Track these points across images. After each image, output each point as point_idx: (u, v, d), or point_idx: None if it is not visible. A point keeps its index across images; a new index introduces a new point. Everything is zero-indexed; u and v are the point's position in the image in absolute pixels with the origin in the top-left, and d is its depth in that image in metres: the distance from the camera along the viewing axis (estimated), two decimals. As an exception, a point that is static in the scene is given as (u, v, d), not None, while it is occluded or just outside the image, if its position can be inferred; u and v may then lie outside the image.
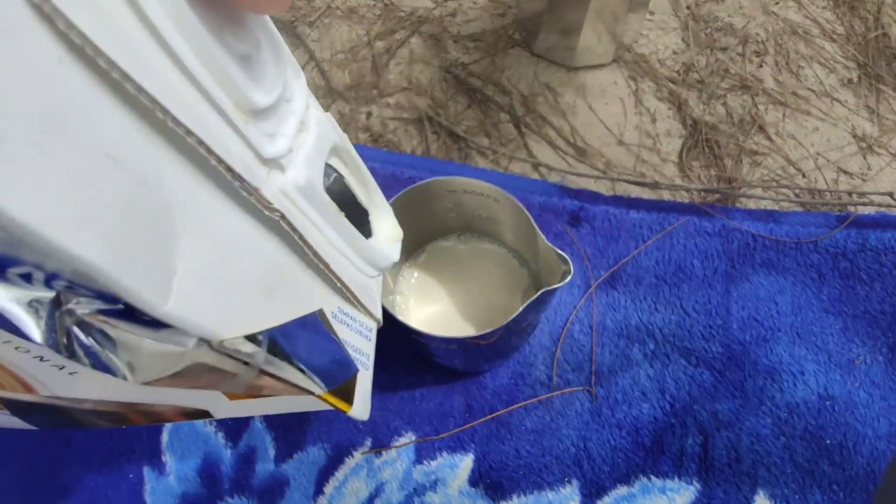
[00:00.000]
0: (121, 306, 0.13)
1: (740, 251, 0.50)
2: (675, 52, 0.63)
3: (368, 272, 0.25)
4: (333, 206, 0.21)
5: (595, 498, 0.42)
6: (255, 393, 0.18)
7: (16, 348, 0.16)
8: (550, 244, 0.35)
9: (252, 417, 0.45)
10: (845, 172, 0.56)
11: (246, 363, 0.16)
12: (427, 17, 0.66)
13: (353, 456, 0.44)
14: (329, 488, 0.43)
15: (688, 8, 0.66)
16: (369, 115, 0.60)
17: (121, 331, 0.13)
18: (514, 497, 0.43)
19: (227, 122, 0.15)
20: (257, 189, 0.17)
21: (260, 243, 0.18)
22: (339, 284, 0.22)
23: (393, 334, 0.38)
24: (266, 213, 0.17)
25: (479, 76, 0.62)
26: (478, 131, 0.59)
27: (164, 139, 0.14)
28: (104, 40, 0.11)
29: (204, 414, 0.23)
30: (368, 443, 0.44)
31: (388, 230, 0.28)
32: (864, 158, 0.57)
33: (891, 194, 0.53)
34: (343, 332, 0.23)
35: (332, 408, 0.22)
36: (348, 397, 0.23)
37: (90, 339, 0.13)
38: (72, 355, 0.13)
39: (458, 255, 0.47)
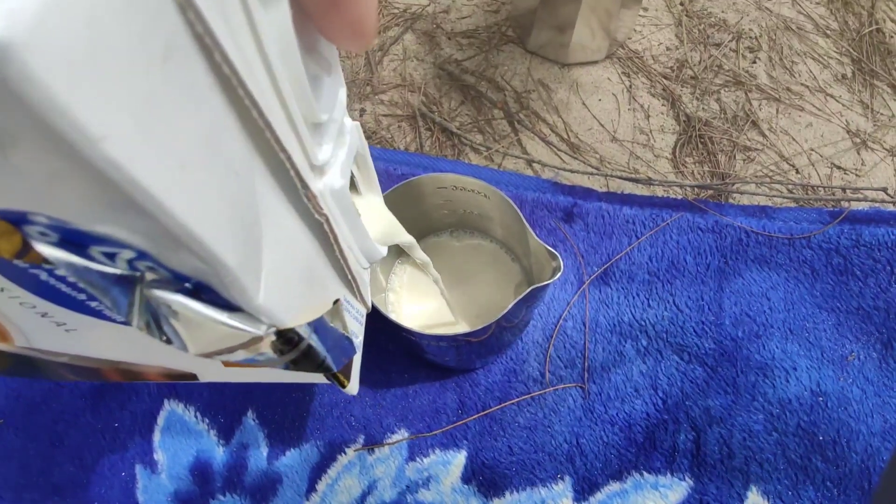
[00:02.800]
0: (189, 286, 0.14)
1: (733, 247, 0.49)
2: (668, 49, 0.63)
3: (364, 264, 0.27)
4: (355, 208, 0.23)
5: (588, 494, 0.42)
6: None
7: (20, 304, 0.16)
8: (540, 240, 0.35)
9: (245, 415, 0.45)
10: (839, 168, 0.56)
11: (297, 345, 0.19)
12: (421, 13, 0.66)
13: (345, 453, 0.44)
14: (322, 486, 0.43)
15: (681, 4, 0.66)
16: (363, 111, 0.60)
17: (189, 308, 0.14)
18: (507, 494, 0.43)
19: (297, 136, 0.16)
20: (315, 196, 0.18)
21: (304, 242, 0.20)
22: (349, 277, 0.25)
23: (385, 332, 0.38)
24: (316, 216, 0.19)
25: (473, 73, 0.62)
26: (471, 128, 0.58)
27: (259, 154, 0.15)
28: (245, 72, 0.13)
29: (189, 377, 0.24)
30: (361, 440, 0.44)
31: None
32: (858, 154, 0.57)
33: (885, 190, 0.53)
34: (346, 319, 0.25)
35: (329, 382, 0.25)
36: (347, 375, 0.26)
37: (161, 313, 0.14)
38: (146, 327, 0.15)
39: (450, 251, 0.47)
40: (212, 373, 0.24)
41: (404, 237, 0.32)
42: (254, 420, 0.45)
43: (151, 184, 0.11)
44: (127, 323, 0.15)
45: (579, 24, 0.57)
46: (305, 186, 0.18)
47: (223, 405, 0.46)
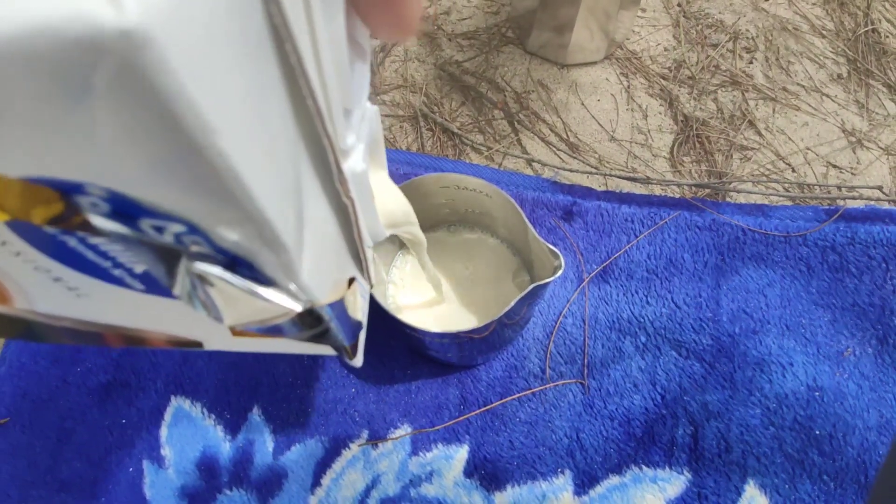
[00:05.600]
0: (226, 260, 0.15)
1: (730, 245, 0.50)
2: (666, 49, 0.64)
3: (369, 244, 0.27)
4: (371, 191, 0.23)
5: (587, 488, 0.43)
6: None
7: (34, 268, 0.16)
8: (542, 239, 0.36)
9: (250, 411, 0.46)
10: (835, 167, 0.57)
11: (322, 321, 0.19)
12: (421, 15, 0.66)
13: (350, 448, 0.45)
14: (326, 480, 0.44)
15: (679, 5, 0.67)
16: (364, 112, 0.60)
17: (231, 282, 0.15)
18: (509, 487, 0.43)
19: (333, 122, 0.17)
20: (346, 180, 0.19)
21: (331, 223, 0.20)
22: (361, 256, 0.25)
23: (387, 329, 0.39)
24: (343, 199, 0.20)
25: (473, 74, 0.62)
26: (472, 128, 0.59)
27: (303, 140, 0.16)
28: (307, 61, 0.13)
29: (195, 344, 0.24)
30: (365, 435, 0.45)
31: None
32: (854, 153, 0.57)
33: (880, 188, 0.54)
34: (358, 297, 0.26)
35: (336, 354, 0.26)
36: (355, 349, 0.27)
37: (201, 285, 0.15)
38: (188, 299, 0.15)
39: (452, 245, 0.48)
40: (218, 341, 0.24)
41: (414, 229, 0.32)
42: (259, 416, 0.46)
43: (245, 172, 0.11)
44: (161, 292, 0.15)
45: (578, 26, 0.58)
46: (340, 171, 0.18)
47: (229, 401, 0.46)
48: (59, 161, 0.10)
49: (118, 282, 0.17)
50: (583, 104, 0.60)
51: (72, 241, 0.14)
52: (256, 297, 0.16)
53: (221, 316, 0.16)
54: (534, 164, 0.57)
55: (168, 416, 0.46)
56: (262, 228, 0.13)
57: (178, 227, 0.13)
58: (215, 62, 0.09)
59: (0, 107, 0.09)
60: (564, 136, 0.58)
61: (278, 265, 0.15)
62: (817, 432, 0.44)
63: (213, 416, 0.46)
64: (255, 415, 0.46)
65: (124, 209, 0.12)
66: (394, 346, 0.47)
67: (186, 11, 0.08)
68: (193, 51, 0.09)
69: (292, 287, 0.16)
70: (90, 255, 0.15)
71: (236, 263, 0.15)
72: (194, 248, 0.14)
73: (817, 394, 0.45)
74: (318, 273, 0.18)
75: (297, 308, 0.17)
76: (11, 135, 0.10)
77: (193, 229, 0.13)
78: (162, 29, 0.08)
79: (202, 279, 0.15)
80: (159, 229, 0.13)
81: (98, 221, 0.12)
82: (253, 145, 0.12)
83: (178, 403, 0.46)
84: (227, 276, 0.15)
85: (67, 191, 0.11)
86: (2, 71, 0.08)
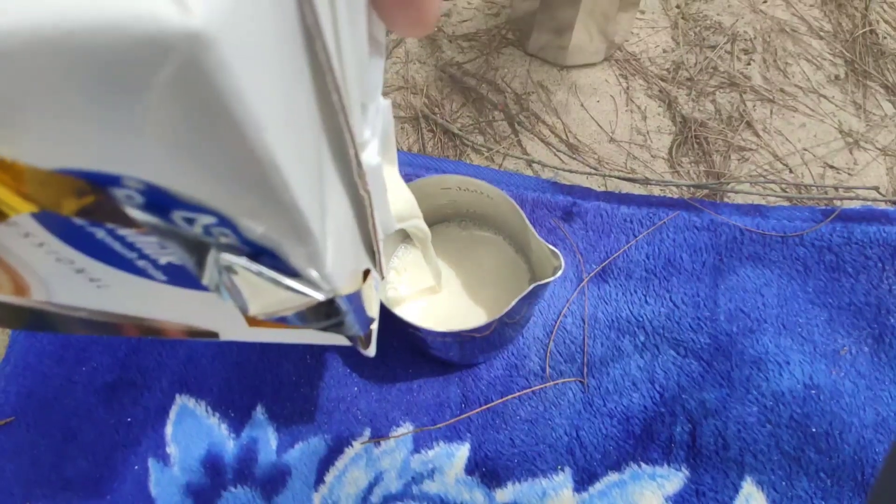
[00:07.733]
0: (251, 251, 0.15)
1: (728, 245, 0.51)
2: (665, 51, 0.64)
3: (381, 236, 0.28)
4: (384, 184, 0.24)
5: (587, 484, 0.44)
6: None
7: (56, 260, 0.16)
8: (542, 240, 0.37)
9: (254, 410, 0.46)
10: (832, 167, 0.57)
11: (340, 311, 0.20)
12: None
13: (352, 446, 0.45)
14: (329, 477, 0.44)
15: (677, 7, 0.67)
16: (366, 114, 0.61)
17: (258, 272, 0.16)
18: (509, 484, 0.44)
19: (354, 116, 0.17)
20: (365, 173, 0.19)
21: (349, 215, 0.21)
22: (375, 248, 0.25)
23: (390, 328, 0.40)
24: (361, 191, 0.20)
25: (474, 75, 0.63)
26: (473, 129, 0.60)
27: (325, 133, 0.16)
28: (335, 60, 0.13)
29: (210, 335, 0.24)
30: (367, 433, 0.46)
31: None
32: (851, 153, 0.58)
33: (876, 188, 0.55)
34: (373, 288, 0.26)
35: (350, 344, 0.26)
36: (368, 339, 0.27)
37: (230, 276, 0.15)
38: (216, 289, 0.16)
39: (454, 239, 0.48)
40: (234, 332, 0.24)
41: (420, 223, 0.33)
42: (263, 414, 0.46)
43: (284, 165, 0.12)
44: (182, 283, 0.15)
45: (578, 27, 0.58)
46: (360, 164, 0.18)
47: (233, 400, 0.47)
48: (100, 154, 0.11)
49: (141, 273, 0.17)
50: (582, 105, 0.61)
51: (100, 233, 0.14)
52: (281, 286, 0.16)
53: (247, 306, 0.17)
54: (534, 164, 0.57)
55: (173, 414, 0.47)
56: (295, 218, 0.14)
57: (208, 219, 0.13)
58: (264, 61, 0.10)
59: (50, 101, 0.09)
60: (564, 137, 0.59)
61: (305, 255, 0.16)
62: (814, 430, 0.45)
63: (218, 415, 0.46)
64: (259, 413, 0.46)
65: (158, 201, 0.12)
66: (396, 345, 0.48)
67: (242, 13, 0.09)
68: (248, 50, 0.09)
69: (315, 276, 0.17)
70: (117, 246, 0.15)
71: (262, 254, 0.15)
72: (222, 240, 0.14)
73: (814, 392, 0.46)
74: (339, 263, 0.18)
75: (320, 297, 0.18)
76: (55, 128, 0.10)
77: (223, 221, 0.13)
78: (225, 30, 0.08)
79: (229, 270, 0.15)
80: (190, 221, 0.13)
81: (131, 213, 0.13)
82: (289, 139, 0.12)
83: (182, 402, 0.47)
84: (254, 266, 0.15)
85: (103, 183, 0.12)
86: (58, 65, 0.08)
